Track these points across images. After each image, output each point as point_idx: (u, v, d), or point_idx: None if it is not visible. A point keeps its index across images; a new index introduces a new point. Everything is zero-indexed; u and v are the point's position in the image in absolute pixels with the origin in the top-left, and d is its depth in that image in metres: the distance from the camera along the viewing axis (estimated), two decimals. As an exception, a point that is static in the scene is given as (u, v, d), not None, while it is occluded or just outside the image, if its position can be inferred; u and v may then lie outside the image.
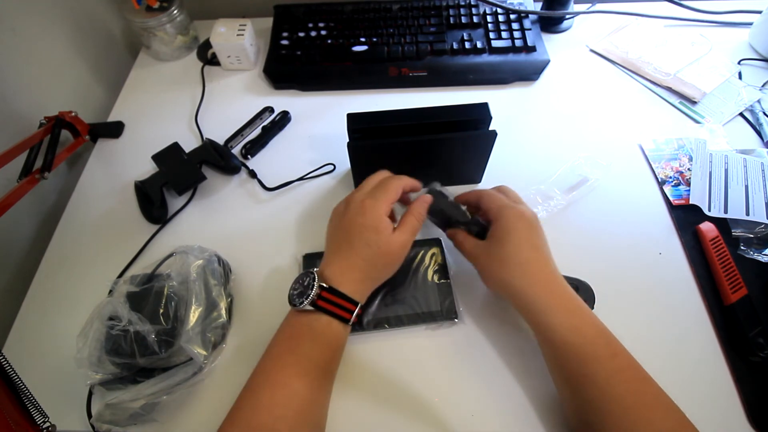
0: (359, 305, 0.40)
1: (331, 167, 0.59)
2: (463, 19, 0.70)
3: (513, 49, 0.68)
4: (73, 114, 0.59)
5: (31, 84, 0.60)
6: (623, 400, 0.35)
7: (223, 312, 0.46)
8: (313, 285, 0.39)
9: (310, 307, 0.39)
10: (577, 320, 0.38)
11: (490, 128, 0.49)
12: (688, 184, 0.55)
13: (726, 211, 0.52)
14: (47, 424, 0.33)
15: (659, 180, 0.56)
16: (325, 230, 0.46)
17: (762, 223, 0.51)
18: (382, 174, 0.47)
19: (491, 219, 0.43)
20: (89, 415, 0.42)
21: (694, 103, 0.64)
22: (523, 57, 0.67)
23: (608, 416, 0.35)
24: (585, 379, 0.36)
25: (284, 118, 0.64)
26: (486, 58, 0.67)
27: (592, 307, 0.46)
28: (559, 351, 0.38)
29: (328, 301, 0.39)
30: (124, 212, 0.57)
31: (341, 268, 0.41)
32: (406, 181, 0.45)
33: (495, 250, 0.41)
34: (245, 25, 0.68)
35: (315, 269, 0.41)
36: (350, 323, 0.40)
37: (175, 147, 0.59)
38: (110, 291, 0.48)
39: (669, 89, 0.65)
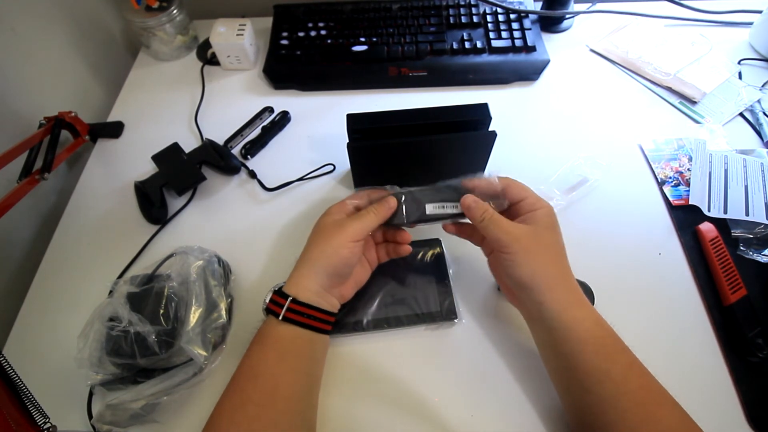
0: (290, 298, 0.40)
1: (331, 167, 0.59)
2: (463, 19, 0.70)
3: (513, 49, 0.68)
4: (72, 114, 0.59)
5: (30, 84, 0.60)
6: (635, 396, 0.35)
7: (223, 312, 0.46)
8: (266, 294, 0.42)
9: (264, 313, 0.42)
10: (596, 314, 0.38)
11: (490, 129, 0.49)
12: (688, 185, 0.55)
13: (725, 212, 0.52)
14: (48, 424, 0.33)
15: (659, 180, 0.56)
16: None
17: (761, 224, 0.51)
18: None
19: (528, 208, 0.41)
20: (90, 416, 0.42)
21: (694, 103, 0.64)
22: (523, 57, 0.67)
23: (622, 413, 0.34)
24: (603, 375, 0.36)
25: (284, 118, 0.64)
26: (486, 58, 0.67)
27: (592, 308, 0.46)
28: (582, 345, 0.36)
29: (272, 302, 0.41)
30: (124, 213, 0.57)
31: (297, 267, 0.43)
32: (368, 193, 0.46)
33: (542, 235, 0.39)
34: (245, 24, 0.68)
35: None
36: (280, 317, 0.39)
37: (174, 147, 0.59)
38: (110, 291, 0.48)
39: (669, 89, 0.65)
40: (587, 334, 0.37)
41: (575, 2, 0.73)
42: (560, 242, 0.40)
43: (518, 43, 0.68)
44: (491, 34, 0.69)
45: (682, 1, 0.73)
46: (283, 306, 0.40)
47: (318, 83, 0.68)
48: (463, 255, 0.51)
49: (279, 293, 0.41)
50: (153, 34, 0.69)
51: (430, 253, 0.51)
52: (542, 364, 0.43)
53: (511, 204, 0.42)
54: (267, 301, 0.41)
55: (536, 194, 0.42)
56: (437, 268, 0.50)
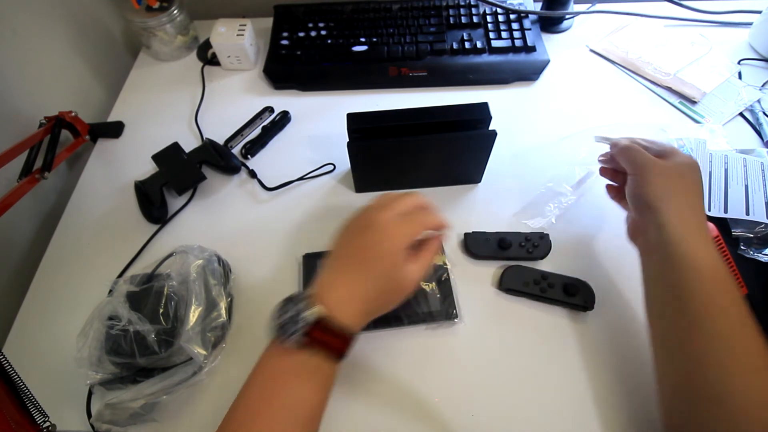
0: (355, 338, 0.36)
1: (331, 167, 0.59)
2: (463, 19, 0.70)
3: (513, 49, 0.68)
4: (73, 114, 0.60)
5: (31, 84, 0.60)
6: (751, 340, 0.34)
7: (223, 312, 0.46)
8: (306, 314, 0.33)
9: (301, 342, 0.33)
10: (717, 254, 0.38)
11: (490, 128, 0.49)
12: (688, 184, 0.55)
13: (726, 211, 0.52)
14: (47, 423, 0.34)
15: (659, 180, 0.56)
16: (325, 230, 0.45)
17: (762, 223, 0.51)
18: (414, 198, 0.41)
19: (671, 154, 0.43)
20: (89, 415, 0.42)
21: (694, 103, 0.64)
22: (523, 57, 0.68)
23: (734, 352, 0.34)
24: (717, 309, 0.35)
25: (284, 118, 0.64)
26: (486, 58, 0.67)
27: (592, 308, 0.46)
28: (698, 274, 0.36)
29: (326, 332, 0.34)
30: (124, 212, 0.57)
31: (346, 294, 0.36)
32: (437, 219, 0.41)
33: (679, 167, 0.41)
34: (245, 25, 0.68)
35: (308, 293, 0.35)
36: (344, 358, 0.35)
37: (175, 147, 0.59)
38: (110, 291, 0.48)
39: (669, 89, 0.65)
40: (705, 263, 0.36)
41: (575, 2, 0.73)
42: (698, 180, 0.41)
43: (518, 43, 0.68)
44: (491, 34, 0.69)
45: (682, 2, 0.73)
46: (348, 345, 0.35)
47: (318, 83, 0.68)
48: (463, 255, 0.51)
49: (348, 333, 0.35)
50: (153, 35, 0.69)
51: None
52: (542, 364, 0.43)
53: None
54: (310, 328, 0.33)
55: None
56: (438, 268, 0.50)
